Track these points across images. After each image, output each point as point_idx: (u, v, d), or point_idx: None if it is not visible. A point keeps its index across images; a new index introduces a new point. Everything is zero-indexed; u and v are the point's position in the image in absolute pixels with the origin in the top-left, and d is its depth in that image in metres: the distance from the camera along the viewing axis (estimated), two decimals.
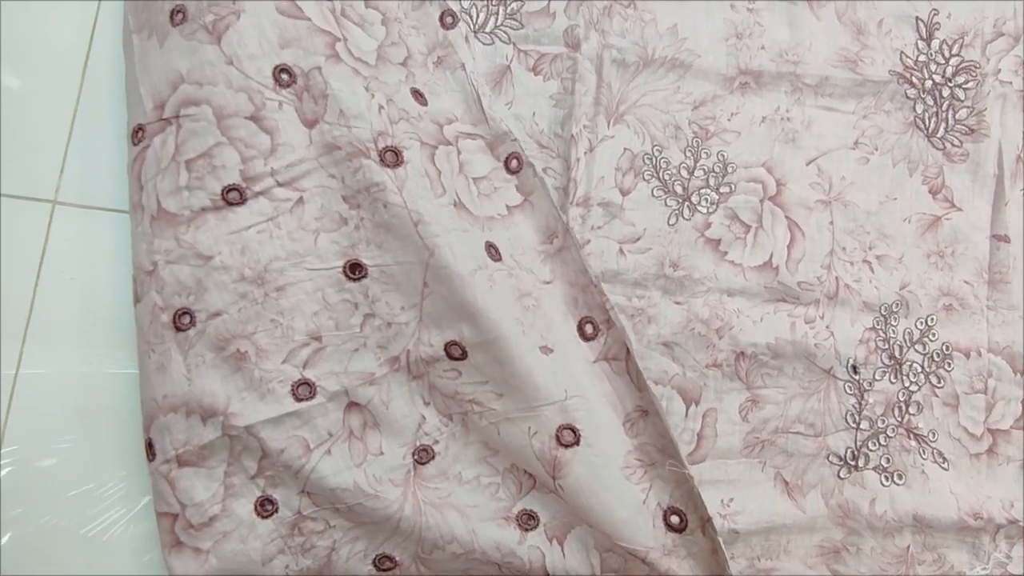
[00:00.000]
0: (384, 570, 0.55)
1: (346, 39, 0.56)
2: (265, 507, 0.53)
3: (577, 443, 0.55)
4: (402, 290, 0.56)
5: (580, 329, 0.60)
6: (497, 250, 0.57)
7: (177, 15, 0.54)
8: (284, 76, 0.54)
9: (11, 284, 0.61)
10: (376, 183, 0.55)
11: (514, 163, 0.63)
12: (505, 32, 0.67)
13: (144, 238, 0.54)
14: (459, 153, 0.60)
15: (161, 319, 0.53)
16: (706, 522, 0.57)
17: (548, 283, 0.60)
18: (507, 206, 0.62)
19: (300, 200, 0.55)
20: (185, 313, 0.53)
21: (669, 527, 0.56)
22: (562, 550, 0.55)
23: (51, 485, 0.59)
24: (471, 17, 0.67)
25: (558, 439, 0.55)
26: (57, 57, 0.62)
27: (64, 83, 0.62)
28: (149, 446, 0.53)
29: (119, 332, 0.60)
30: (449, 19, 0.64)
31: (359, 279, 0.55)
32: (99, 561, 0.58)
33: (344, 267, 0.55)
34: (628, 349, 0.60)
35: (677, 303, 0.65)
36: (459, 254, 0.54)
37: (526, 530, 0.55)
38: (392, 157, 0.55)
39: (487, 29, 0.67)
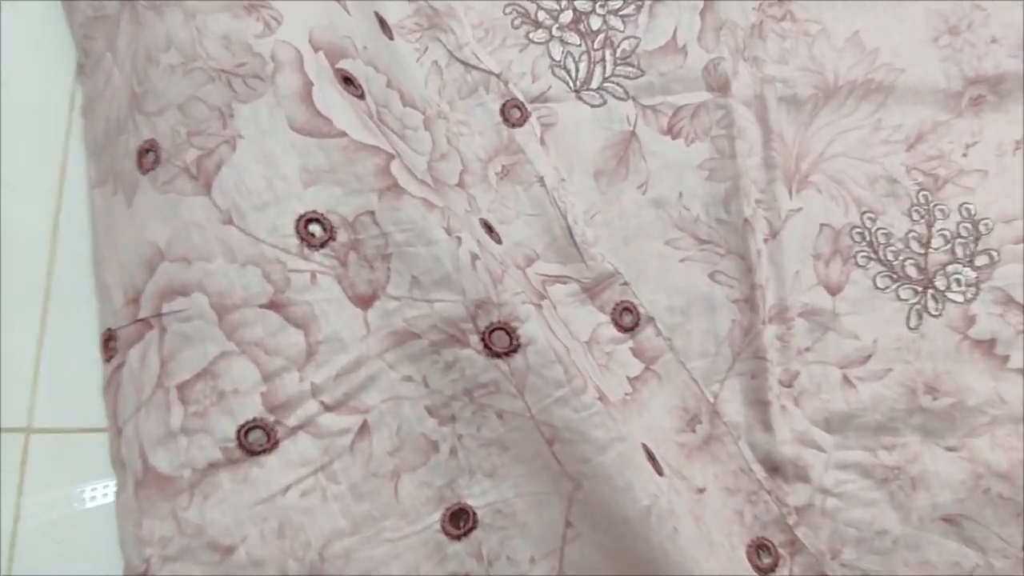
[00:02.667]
0: None
1: (400, 154, 0.37)
2: None
3: None
4: (531, 534, 0.36)
5: (751, 557, 0.39)
6: (656, 461, 0.37)
7: (147, 155, 0.36)
8: (316, 230, 0.36)
9: None
10: (481, 384, 0.36)
11: (627, 318, 0.43)
12: (619, 85, 0.47)
13: (129, 516, 0.35)
14: (555, 307, 0.41)
15: None
16: None
17: (701, 492, 0.40)
18: (628, 378, 0.42)
19: (364, 428, 0.36)
20: None
21: None
22: None
23: None
24: (568, 73, 0.48)
25: None
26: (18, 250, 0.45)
27: (29, 284, 0.45)
28: None
29: None
30: (516, 112, 0.45)
31: (467, 533, 0.36)
32: None
33: (443, 520, 0.36)
34: None
35: (951, 450, 0.42)
36: (624, 483, 0.34)
37: None
38: (503, 340, 0.35)
39: (593, 85, 0.47)
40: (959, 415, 0.43)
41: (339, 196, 0.36)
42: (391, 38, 0.44)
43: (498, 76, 0.45)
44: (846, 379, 0.43)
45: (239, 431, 0.34)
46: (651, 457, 0.36)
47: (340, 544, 0.34)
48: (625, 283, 0.43)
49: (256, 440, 0.34)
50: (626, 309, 0.43)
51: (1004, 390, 0.43)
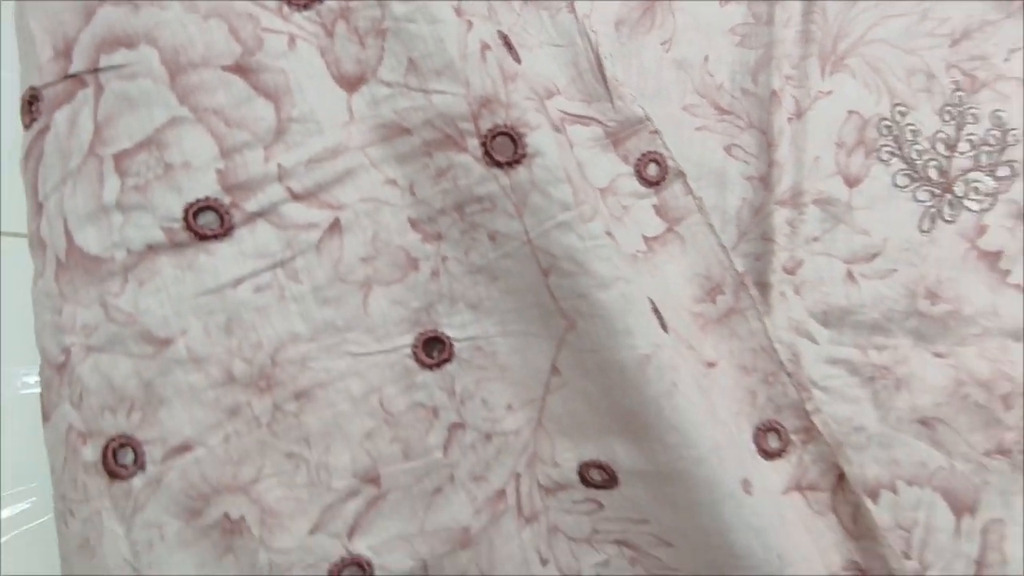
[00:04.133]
0: None
1: None
2: None
3: None
4: (511, 378, 0.34)
5: (758, 441, 0.38)
6: (660, 315, 0.34)
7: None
8: None
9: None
10: (476, 196, 0.32)
11: (653, 169, 0.39)
12: None
13: (47, 302, 0.31)
14: (571, 146, 0.37)
15: (83, 456, 0.31)
16: None
17: (712, 366, 0.38)
18: (644, 238, 0.39)
19: (335, 226, 0.32)
20: (126, 445, 0.30)
21: None
22: None
23: None
24: None
25: None
26: None
27: None
28: None
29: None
30: None
31: (440, 364, 0.33)
32: None
33: (415, 346, 0.33)
34: (841, 473, 0.38)
35: (939, 356, 0.42)
36: (624, 326, 0.32)
37: None
38: (507, 147, 0.31)
39: None
40: (953, 323, 0.42)
41: None
42: None
43: None
44: (850, 275, 0.42)
45: (187, 211, 0.30)
46: (656, 312, 0.34)
47: (296, 349, 0.31)
48: (655, 131, 0.39)
49: (207, 223, 0.30)
50: (653, 160, 0.39)
51: (1000, 304, 0.42)
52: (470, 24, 0.31)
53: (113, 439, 0.30)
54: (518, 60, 0.37)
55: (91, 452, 0.31)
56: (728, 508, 0.32)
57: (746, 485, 0.33)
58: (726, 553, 0.33)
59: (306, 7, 0.31)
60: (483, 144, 0.32)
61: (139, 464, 0.30)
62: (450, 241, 0.33)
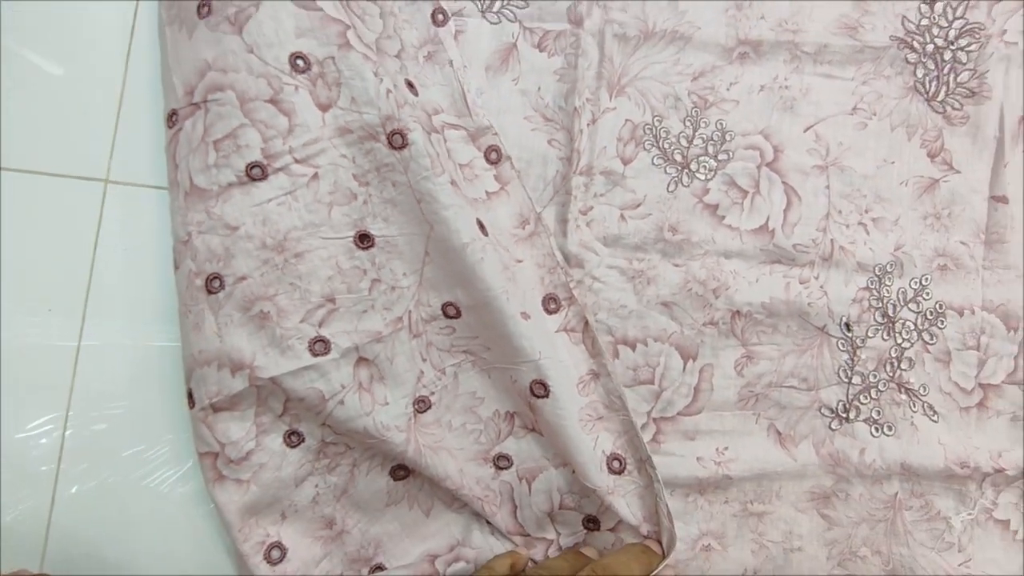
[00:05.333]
0: (399, 479, 0.63)
1: (355, 27, 0.61)
2: (292, 439, 0.61)
3: (547, 395, 0.61)
4: (405, 258, 0.62)
5: (544, 304, 0.66)
6: (483, 227, 0.62)
7: (203, 8, 0.59)
8: (300, 63, 0.59)
9: (70, 261, 0.67)
10: (385, 164, 0.60)
11: (493, 155, 0.68)
12: (511, 11, 0.71)
13: (179, 212, 0.60)
14: (445, 141, 0.65)
15: (195, 283, 0.59)
16: (644, 462, 0.64)
17: (520, 262, 0.66)
18: (487, 192, 0.67)
19: (315, 176, 0.60)
20: (215, 278, 0.59)
21: (611, 471, 0.63)
22: (529, 488, 0.64)
23: (107, 446, 0.66)
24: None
25: (532, 391, 0.61)
26: (101, 49, 0.68)
27: (109, 73, 0.68)
28: (189, 396, 0.60)
29: (166, 305, 0.66)
30: (440, 16, 0.68)
31: (367, 248, 0.61)
32: (154, 512, 0.66)
33: (355, 237, 0.61)
34: (586, 322, 0.66)
35: (676, 265, 0.69)
36: (455, 228, 0.59)
37: (500, 468, 0.64)
38: (398, 140, 0.59)
39: (494, 9, 0.71)
40: (686, 247, 0.69)
41: (315, 45, 0.59)
42: None
43: None
44: (622, 216, 0.69)
45: (247, 167, 0.59)
46: (480, 225, 0.61)
47: (295, 234, 0.60)
48: (496, 134, 0.67)
49: (255, 173, 0.59)
50: (494, 150, 0.67)
51: (716, 235, 0.69)
52: (381, 80, 0.60)
53: (210, 275, 0.59)
54: (416, 94, 0.65)
55: (200, 281, 0.59)
56: (512, 325, 0.60)
57: (524, 315, 0.61)
58: (514, 349, 0.60)
59: (302, 72, 0.59)
60: (388, 138, 0.60)
61: (222, 287, 0.59)
62: (373, 185, 0.61)
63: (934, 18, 0.73)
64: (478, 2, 0.71)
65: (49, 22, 0.69)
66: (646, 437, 0.66)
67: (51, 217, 0.67)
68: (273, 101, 0.58)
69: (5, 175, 0.67)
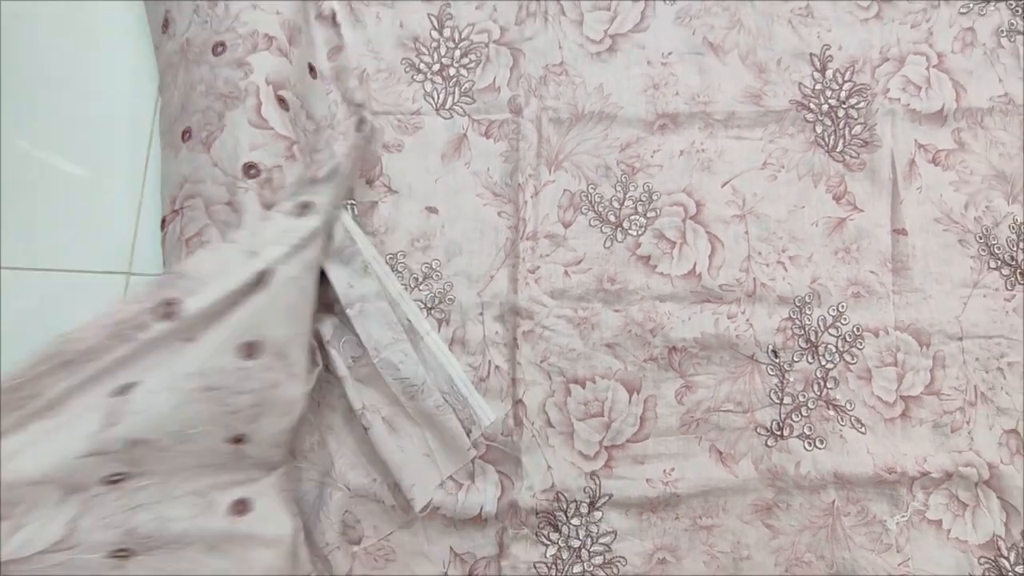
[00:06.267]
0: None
1: (299, 142, 0.74)
2: None
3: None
4: None
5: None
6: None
7: (185, 134, 0.73)
8: (252, 171, 0.71)
9: None
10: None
11: None
12: (461, 107, 0.84)
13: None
14: None
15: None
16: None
17: None
18: None
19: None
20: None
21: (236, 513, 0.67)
22: None
23: None
24: (433, 98, 0.84)
25: None
26: (121, 151, 0.84)
27: (130, 173, 0.83)
28: None
29: None
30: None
31: None
32: None
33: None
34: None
35: (616, 311, 0.79)
36: None
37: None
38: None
39: (447, 106, 0.84)
40: (624, 294, 0.79)
41: (265, 156, 0.72)
42: (314, 78, 0.80)
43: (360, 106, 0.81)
44: (566, 272, 0.80)
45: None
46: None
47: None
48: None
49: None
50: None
51: (649, 283, 0.79)
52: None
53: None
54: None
55: None
56: None
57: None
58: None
59: (253, 178, 0.70)
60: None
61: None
62: None
63: (826, 83, 0.85)
64: (432, 102, 0.84)
65: (76, 126, 0.84)
66: (598, 464, 0.74)
67: (77, 311, 0.80)
68: (231, 203, 0.70)
69: (38, 274, 0.81)
